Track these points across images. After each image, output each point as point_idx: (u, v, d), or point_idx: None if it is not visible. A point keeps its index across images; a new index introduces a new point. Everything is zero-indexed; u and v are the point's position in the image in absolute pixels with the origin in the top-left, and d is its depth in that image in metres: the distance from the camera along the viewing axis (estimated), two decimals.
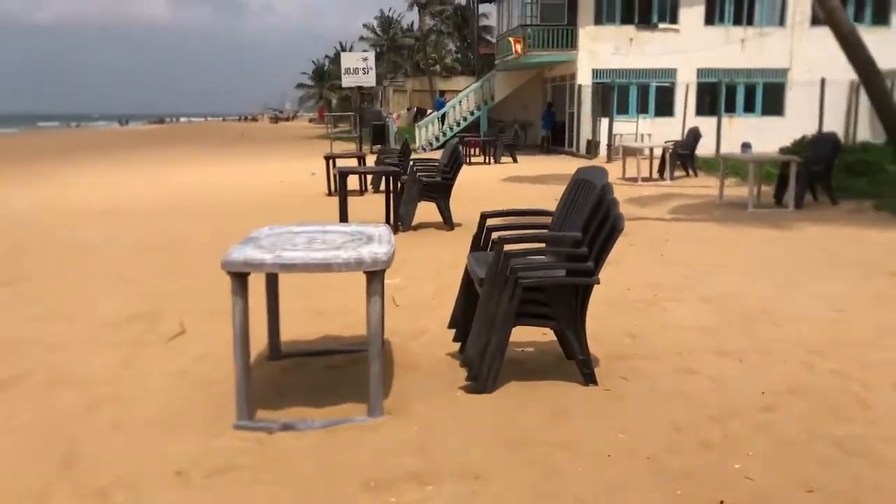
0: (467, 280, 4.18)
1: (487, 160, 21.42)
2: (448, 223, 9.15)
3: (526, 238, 3.91)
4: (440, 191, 9.11)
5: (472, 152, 22.01)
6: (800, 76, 23.67)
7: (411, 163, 9.88)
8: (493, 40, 37.80)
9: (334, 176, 12.05)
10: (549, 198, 12.48)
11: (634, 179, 14.99)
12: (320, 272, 3.29)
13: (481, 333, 3.69)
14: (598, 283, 3.73)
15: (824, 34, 23.94)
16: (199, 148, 31.32)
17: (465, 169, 19.61)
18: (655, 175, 15.66)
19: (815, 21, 24.01)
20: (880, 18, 24.13)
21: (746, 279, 6.23)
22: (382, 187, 10.26)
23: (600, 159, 21.47)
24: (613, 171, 17.17)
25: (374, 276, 3.34)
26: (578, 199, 3.99)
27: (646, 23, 23.94)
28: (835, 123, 20.46)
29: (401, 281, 6.26)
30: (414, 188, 9.10)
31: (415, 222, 9.42)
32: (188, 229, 9.50)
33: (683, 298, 5.60)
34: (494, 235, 4.13)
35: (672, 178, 15.08)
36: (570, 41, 24.30)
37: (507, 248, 3.65)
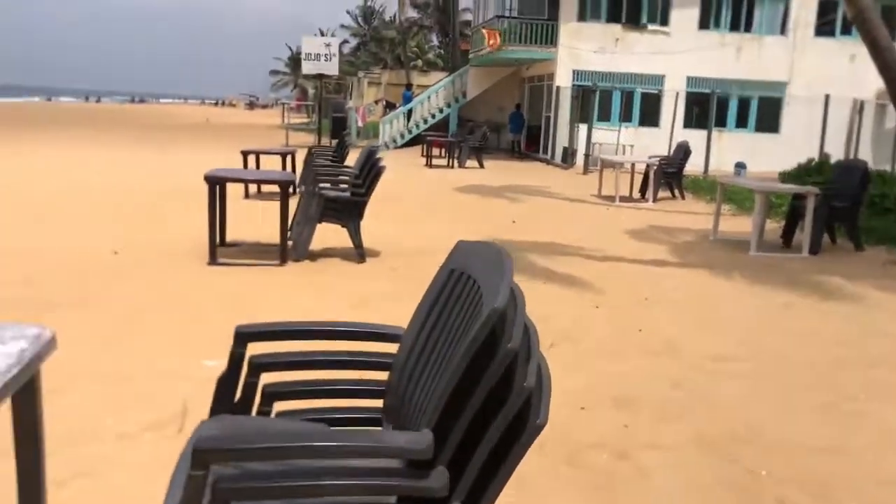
0: None
1: (451, 163, 19.13)
2: (359, 252, 6.81)
3: (325, 457, 1.56)
4: (347, 210, 6.74)
5: (438, 153, 19.72)
6: (798, 91, 21.62)
7: (312, 168, 7.48)
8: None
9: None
10: (502, 217, 10.18)
11: (612, 198, 12.75)
12: None
13: None
14: None
15: (828, 46, 22.13)
16: (144, 132, 28.73)
17: (422, 173, 17.52)
18: (636, 194, 13.44)
19: (820, 31, 22.05)
20: None
21: (778, 400, 3.91)
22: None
23: (576, 169, 19.27)
24: (589, 185, 14.94)
25: None
26: (449, 324, 1.68)
27: (634, 22, 21.73)
28: (834, 145, 18.43)
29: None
30: (312, 205, 6.74)
31: (321, 246, 7.10)
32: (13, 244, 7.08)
33: (674, 443, 3.28)
34: (267, 382, 1.81)
35: (655, 200, 12.84)
36: (550, 38, 22.04)
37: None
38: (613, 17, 21.79)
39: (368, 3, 60.97)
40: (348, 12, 61.99)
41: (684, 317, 5.43)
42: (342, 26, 61.98)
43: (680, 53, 21.40)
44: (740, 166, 9.94)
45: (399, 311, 4.94)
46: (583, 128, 19.79)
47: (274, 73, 72.55)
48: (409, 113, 26.24)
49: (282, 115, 38.25)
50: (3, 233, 7.54)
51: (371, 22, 61.94)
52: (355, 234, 6.77)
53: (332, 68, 25.85)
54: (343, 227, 6.78)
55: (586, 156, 18.98)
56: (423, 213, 10.53)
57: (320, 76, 27.21)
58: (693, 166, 15.36)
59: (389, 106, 32.44)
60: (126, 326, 4.57)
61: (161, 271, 6.09)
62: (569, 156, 20.59)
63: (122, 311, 4.86)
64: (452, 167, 18.83)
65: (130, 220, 8.65)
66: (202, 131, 30.99)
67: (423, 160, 19.32)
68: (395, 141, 25.63)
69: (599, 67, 21.54)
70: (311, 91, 64.81)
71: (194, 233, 7.20)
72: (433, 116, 26.03)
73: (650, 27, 21.69)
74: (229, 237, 7.35)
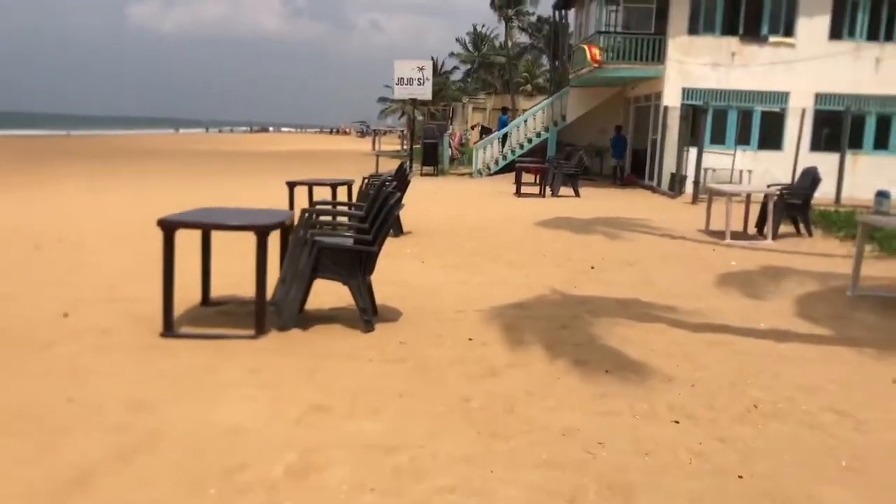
0: None
1: (542, 192, 17.33)
2: (364, 318, 5.19)
3: None
4: (348, 263, 5.15)
5: (533, 180, 17.94)
6: None
7: (306, 207, 5.93)
8: None
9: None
10: (582, 260, 8.18)
11: (721, 234, 10.64)
12: None
13: None
14: None
15: None
16: (225, 163, 28.49)
17: (506, 203, 15.76)
18: (752, 229, 11.23)
19: None
20: None
21: None
22: None
23: (685, 198, 17.04)
24: (697, 217, 12.69)
25: None
26: None
27: (753, 34, 19.31)
28: None
29: None
30: (303, 256, 5.18)
31: (332, 304, 5.59)
32: None
33: None
34: None
35: (775, 238, 10.61)
36: (657, 54, 19.92)
37: None
38: (730, 29, 19.44)
39: (479, 30, 60.21)
40: (458, 40, 61.43)
41: (818, 449, 3.47)
42: (452, 54, 61.36)
43: (807, 67, 18.83)
44: (882, 195, 7.73)
45: (368, 432, 3.19)
46: (693, 152, 17.57)
47: (382, 100, 72.77)
48: (505, 138, 24.65)
49: (372, 142, 37.56)
50: None
51: (481, 48, 61.14)
52: (359, 295, 5.16)
53: (425, 93, 24.58)
54: (344, 284, 5.19)
55: (696, 183, 16.75)
56: (488, 254, 8.81)
57: (413, 101, 26.08)
58: (823, 195, 12.97)
59: (485, 131, 30.97)
60: None
61: (91, 347, 4.67)
62: (676, 183, 18.36)
63: None
64: (544, 196, 17.05)
65: (126, 269, 7.37)
66: (293, 159, 30.51)
67: (514, 188, 17.62)
68: (488, 168, 24.10)
69: (712, 84, 19.23)
70: (420, 118, 64.09)
71: (192, 286, 5.68)
72: (530, 141, 24.33)
73: (772, 38, 19.21)
74: (227, 291, 5.95)
